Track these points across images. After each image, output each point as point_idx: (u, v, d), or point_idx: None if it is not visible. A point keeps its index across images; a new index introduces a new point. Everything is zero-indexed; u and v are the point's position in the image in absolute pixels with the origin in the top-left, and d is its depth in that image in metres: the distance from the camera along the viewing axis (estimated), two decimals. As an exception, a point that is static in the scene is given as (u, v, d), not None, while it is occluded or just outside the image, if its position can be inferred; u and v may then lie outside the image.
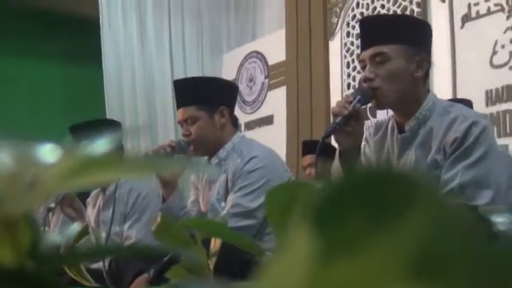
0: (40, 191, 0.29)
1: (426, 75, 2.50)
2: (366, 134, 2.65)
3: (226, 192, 3.02)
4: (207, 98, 3.08)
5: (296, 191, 0.98)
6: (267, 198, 0.95)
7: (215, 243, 1.25)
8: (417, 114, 2.42)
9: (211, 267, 1.16)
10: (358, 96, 2.38)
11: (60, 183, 0.29)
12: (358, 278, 0.19)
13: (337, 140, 2.43)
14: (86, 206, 3.79)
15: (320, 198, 0.19)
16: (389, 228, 0.19)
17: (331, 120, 2.39)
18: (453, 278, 0.18)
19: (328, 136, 2.39)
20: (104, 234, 3.01)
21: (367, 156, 2.60)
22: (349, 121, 2.36)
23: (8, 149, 0.27)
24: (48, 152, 0.28)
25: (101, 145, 0.30)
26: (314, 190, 0.19)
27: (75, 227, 3.64)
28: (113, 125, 3.79)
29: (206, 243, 1.23)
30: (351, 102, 2.35)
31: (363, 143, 2.60)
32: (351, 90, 5.37)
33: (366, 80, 2.40)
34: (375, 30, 2.45)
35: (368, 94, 2.41)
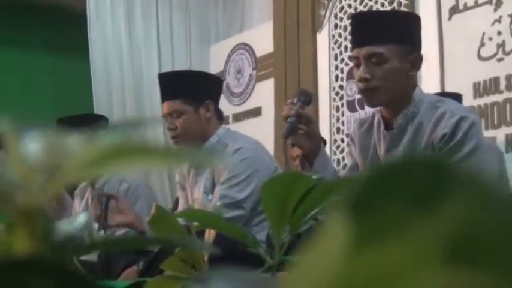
0: (62, 180, 0.29)
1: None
2: (351, 135, 2.67)
3: (213, 185, 3.04)
4: (192, 91, 3.09)
5: (291, 182, 0.98)
6: (262, 189, 0.95)
7: (209, 234, 1.25)
8: (405, 111, 2.43)
9: (206, 258, 1.16)
10: (300, 98, 2.50)
11: (83, 172, 0.29)
12: (395, 264, 0.19)
13: (296, 144, 2.50)
14: (73, 198, 3.79)
15: (356, 188, 0.19)
16: (427, 214, 0.19)
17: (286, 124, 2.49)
18: (493, 262, 0.18)
19: (288, 135, 2.46)
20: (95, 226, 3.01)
21: (354, 157, 2.62)
22: (300, 122, 2.44)
23: (33, 138, 0.27)
24: (72, 141, 0.28)
25: (121, 136, 0.30)
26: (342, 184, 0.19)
27: (83, 217, 3.65)
28: (100, 120, 3.79)
29: (201, 234, 1.23)
30: (294, 104, 2.46)
31: (348, 144, 2.62)
32: (339, 82, 5.39)
33: (361, 80, 2.41)
34: (369, 28, 2.45)
35: (309, 95, 2.52)
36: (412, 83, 2.48)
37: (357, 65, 2.44)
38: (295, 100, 2.50)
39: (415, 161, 0.19)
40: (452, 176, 0.19)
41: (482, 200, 0.18)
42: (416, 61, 2.46)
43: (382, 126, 2.49)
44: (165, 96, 3.16)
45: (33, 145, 0.28)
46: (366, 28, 2.45)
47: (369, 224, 0.19)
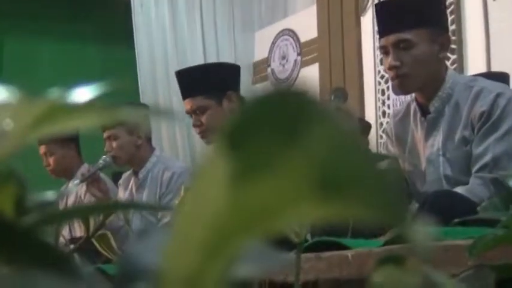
0: (10, 141, 0.30)
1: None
2: (386, 130, 2.66)
3: None
4: (212, 85, 3.08)
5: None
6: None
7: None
8: (440, 94, 2.42)
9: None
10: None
11: (29, 132, 0.30)
12: (271, 197, 0.19)
13: None
14: (117, 188, 3.85)
15: (233, 121, 0.20)
16: (293, 149, 0.19)
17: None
18: (356, 193, 0.19)
19: None
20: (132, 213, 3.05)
21: (390, 151, 2.61)
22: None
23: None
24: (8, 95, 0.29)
25: (75, 94, 0.31)
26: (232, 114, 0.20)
27: (73, 185, 3.70)
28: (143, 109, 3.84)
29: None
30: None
31: (384, 139, 2.61)
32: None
33: (391, 68, 2.40)
34: (394, 15, 2.43)
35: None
36: (443, 65, 2.47)
37: (386, 53, 2.43)
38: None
39: (282, 94, 0.20)
40: (314, 109, 0.20)
41: (337, 135, 0.19)
42: (445, 43, 2.44)
43: (418, 114, 2.48)
44: (186, 93, 3.16)
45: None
46: (390, 16, 2.44)
47: (245, 158, 0.20)
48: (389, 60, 2.40)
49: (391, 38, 2.39)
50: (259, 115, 0.20)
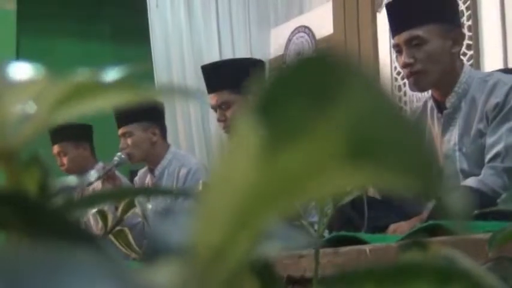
0: (34, 122, 0.30)
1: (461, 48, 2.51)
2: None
3: None
4: (239, 80, 3.06)
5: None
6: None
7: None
8: (456, 89, 2.42)
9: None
10: None
11: (55, 111, 0.29)
12: (302, 166, 0.19)
13: None
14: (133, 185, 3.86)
15: (262, 90, 0.20)
16: (325, 114, 0.19)
17: None
18: (390, 158, 0.18)
19: None
20: (150, 206, 3.05)
21: None
22: None
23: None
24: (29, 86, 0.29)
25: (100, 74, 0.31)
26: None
27: (94, 173, 3.70)
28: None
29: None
30: None
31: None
32: (400, 62, 5.32)
33: (405, 65, 2.40)
34: (404, 13, 2.43)
35: None
36: (457, 60, 2.47)
37: (399, 52, 2.43)
38: None
39: (312, 60, 0.19)
40: (348, 75, 0.19)
41: (373, 101, 0.19)
42: (457, 37, 2.44)
43: (435, 110, 2.48)
44: (211, 87, 3.15)
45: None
46: (401, 14, 2.44)
47: (276, 126, 0.19)
48: (403, 58, 2.40)
49: (403, 35, 2.40)
50: (289, 82, 0.20)
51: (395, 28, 2.45)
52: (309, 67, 0.20)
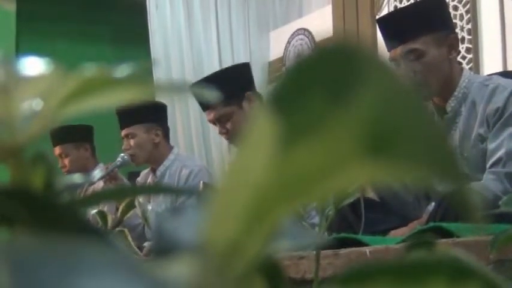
0: (41, 118, 0.30)
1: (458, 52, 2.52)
2: None
3: None
4: (229, 91, 3.03)
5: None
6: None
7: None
8: (456, 93, 2.43)
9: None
10: None
11: (63, 107, 0.29)
12: (319, 160, 0.19)
13: None
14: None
15: (279, 84, 0.20)
16: (344, 107, 0.19)
17: None
18: (409, 152, 0.18)
19: None
20: (150, 207, 3.05)
21: None
22: None
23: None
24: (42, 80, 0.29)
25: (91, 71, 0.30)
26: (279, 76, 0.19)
27: (99, 172, 3.68)
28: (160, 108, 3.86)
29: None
30: None
31: None
32: (400, 65, 5.32)
33: None
34: (396, 27, 2.44)
35: None
36: (455, 65, 2.48)
37: (397, 65, 2.44)
38: None
39: (329, 51, 0.19)
40: (366, 65, 0.19)
41: (391, 91, 0.18)
42: (453, 42, 2.45)
43: (435, 116, 2.49)
44: (204, 105, 3.14)
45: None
46: (394, 29, 2.45)
47: (291, 120, 0.19)
48: (402, 71, 2.41)
49: (399, 49, 2.41)
50: (306, 75, 0.19)
51: (390, 43, 2.46)
52: (325, 58, 0.19)
